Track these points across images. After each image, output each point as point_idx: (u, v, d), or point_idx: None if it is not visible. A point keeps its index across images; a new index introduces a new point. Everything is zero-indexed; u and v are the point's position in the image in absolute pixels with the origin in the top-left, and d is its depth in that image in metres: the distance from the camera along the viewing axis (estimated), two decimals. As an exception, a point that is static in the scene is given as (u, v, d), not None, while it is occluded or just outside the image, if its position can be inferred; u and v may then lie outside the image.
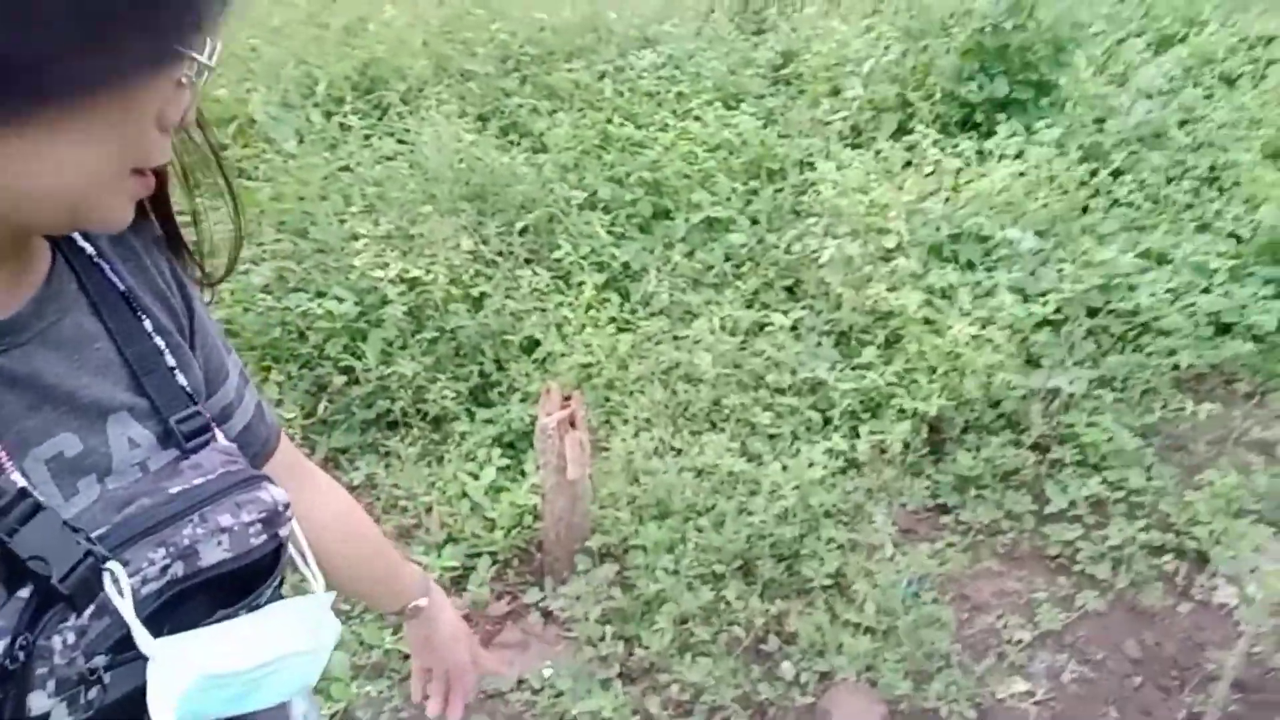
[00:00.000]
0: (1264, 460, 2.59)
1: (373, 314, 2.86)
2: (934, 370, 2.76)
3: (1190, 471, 2.57)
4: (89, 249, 0.65)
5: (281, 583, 0.68)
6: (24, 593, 0.52)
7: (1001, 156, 3.61)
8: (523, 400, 2.79)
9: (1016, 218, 3.32)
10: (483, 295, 3.03)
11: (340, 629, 0.70)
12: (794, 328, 3.05)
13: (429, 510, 2.53)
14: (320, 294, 2.88)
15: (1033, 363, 2.85)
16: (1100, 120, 4.02)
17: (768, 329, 3.06)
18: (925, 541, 2.43)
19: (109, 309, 0.64)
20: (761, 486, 2.48)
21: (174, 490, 0.61)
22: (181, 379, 0.67)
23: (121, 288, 0.66)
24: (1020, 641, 2.20)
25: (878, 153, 3.84)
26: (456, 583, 2.38)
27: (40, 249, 0.62)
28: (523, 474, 2.60)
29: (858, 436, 2.67)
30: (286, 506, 0.66)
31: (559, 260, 3.30)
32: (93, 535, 0.56)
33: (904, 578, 2.31)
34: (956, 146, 3.73)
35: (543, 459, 2.20)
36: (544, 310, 3.04)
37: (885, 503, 2.54)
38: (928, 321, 2.90)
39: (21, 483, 0.54)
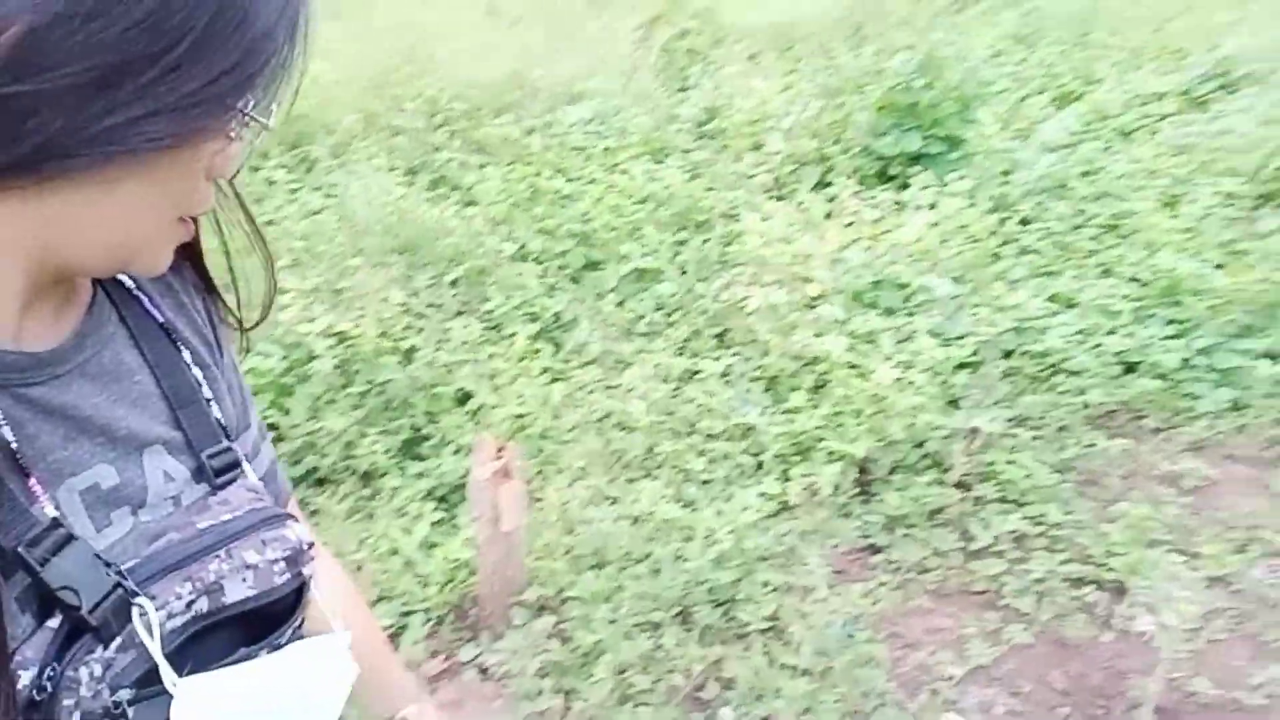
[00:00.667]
0: (1173, 492, 2.71)
1: (300, 369, 2.82)
2: (860, 413, 2.84)
3: (1105, 505, 2.67)
4: (129, 282, 0.66)
5: (303, 623, 0.68)
6: (53, 623, 0.52)
7: (917, 207, 3.76)
8: (455, 453, 2.77)
9: (933, 265, 3.45)
10: (413, 348, 3.02)
11: (358, 670, 0.70)
12: (724, 374, 3.10)
13: (359, 569, 2.48)
14: (245, 350, 2.83)
15: (953, 404, 2.95)
16: (1007, 172, 4.22)
17: (699, 376, 3.10)
18: (858, 581, 2.48)
19: (149, 341, 0.65)
20: (696, 532, 2.50)
21: (202, 525, 0.61)
22: (216, 412, 0.68)
23: (160, 319, 0.67)
24: (952, 677, 2.25)
25: (799, 204, 3.97)
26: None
27: (82, 283, 0.63)
28: (456, 528, 2.58)
29: (789, 479, 2.71)
30: (310, 545, 0.66)
31: (490, 312, 3.31)
32: (122, 568, 0.56)
33: (838, 618, 2.34)
34: (874, 198, 3.87)
35: (476, 511, 2.19)
36: (476, 361, 3.04)
37: (818, 544, 2.58)
38: (853, 366, 2.98)
39: (54, 513, 0.54)
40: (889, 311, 3.29)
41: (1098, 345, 3.07)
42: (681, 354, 3.28)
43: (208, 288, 0.73)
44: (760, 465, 2.80)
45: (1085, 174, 4.14)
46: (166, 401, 0.65)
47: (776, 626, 2.32)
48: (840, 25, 6.75)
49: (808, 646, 2.22)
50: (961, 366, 3.01)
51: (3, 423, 0.53)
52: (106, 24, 0.45)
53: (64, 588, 0.52)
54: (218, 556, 0.60)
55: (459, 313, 3.28)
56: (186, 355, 0.67)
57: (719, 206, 4.14)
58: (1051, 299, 3.29)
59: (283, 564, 0.64)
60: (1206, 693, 2.14)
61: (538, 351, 3.19)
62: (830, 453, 2.75)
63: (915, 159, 4.32)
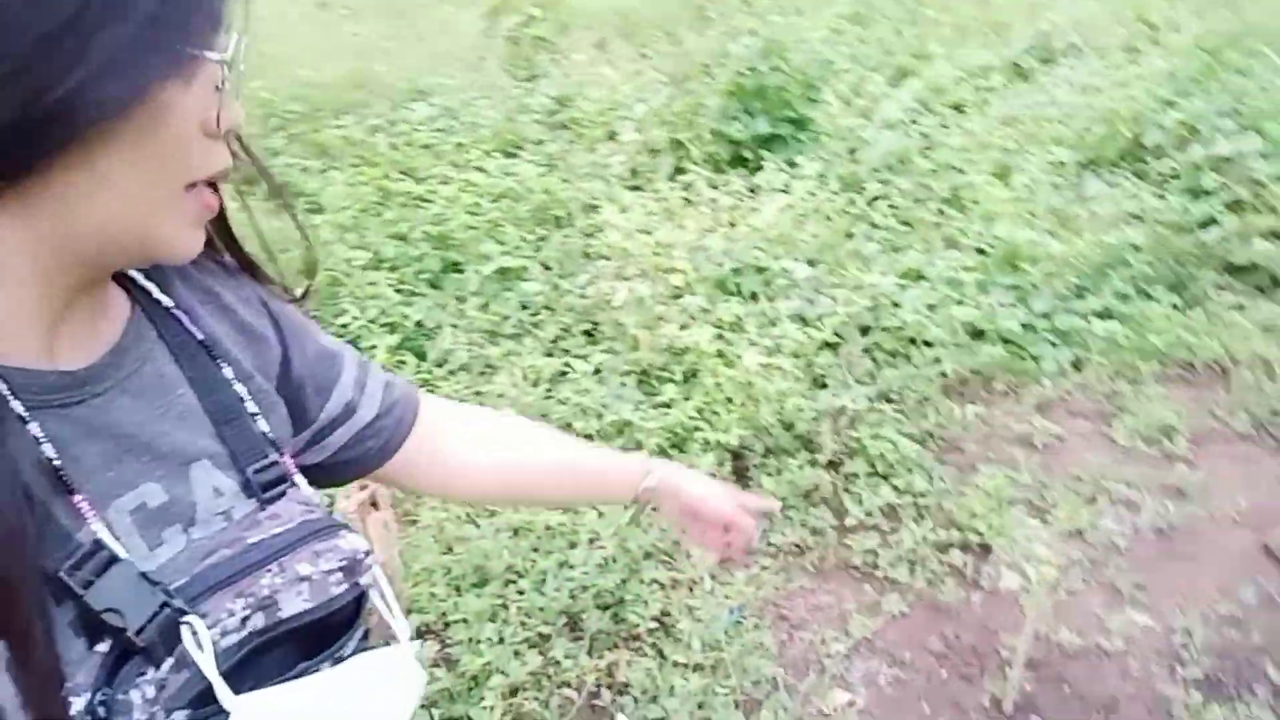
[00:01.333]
0: (1025, 452, 2.86)
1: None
2: (731, 401, 2.87)
3: (965, 471, 2.80)
4: (166, 300, 0.65)
5: (366, 634, 0.66)
6: (102, 647, 0.52)
7: (770, 191, 3.83)
8: (320, 478, 2.64)
9: (790, 249, 3.52)
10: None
11: (425, 680, 0.68)
12: (596, 371, 3.08)
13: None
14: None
15: (819, 384, 3.02)
16: (854, 151, 4.34)
17: (570, 376, 3.07)
18: (740, 569, 2.51)
19: (188, 358, 0.64)
20: (580, 537, 2.47)
21: (253, 540, 0.60)
22: (263, 425, 0.66)
23: (200, 336, 0.66)
24: (838, 653, 2.31)
25: (657, 193, 3.97)
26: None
27: (117, 300, 0.63)
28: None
29: (667, 474, 2.71)
30: (367, 554, 0.65)
31: (345, 325, 3.17)
32: (172, 586, 0.55)
33: (725, 609, 2.36)
34: (729, 184, 3.92)
35: (348, 542, 2.09)
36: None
37: (700, 536, 2.59)
38: (720, 355, 3.01)
39: (100, 534, 0.53)
40: (752, 297, 3.34)
41: (947, 316, 3.20)
42: (551, 354, 3.23)
43: (244, 266, 0.71)
44: (637, 462, 2.79)
45: (925, 150, 4.30)
46: (209, 416, 0.64)
47: (665, 624, 2.32)
48: (683, 9, 6.80)
49: (697, 641, 2.23)
50: (825, 347, 3.08)
51: (45, 442, 0.52)
52: (27, 10, 0.46)
53: (109, 610, 0.52)
54: (270, 570, 0.59)
55: (313, 329, 3.13)
56: (228, 371, 0.66)
57: (578, 199, 4.10)
58: (903, 275, 3.41)
59: (339, 574, 0.62)
60: (1071, 642, 2.27)
61: (401, 363, 3.08)
62: (705, 443, 2.77)
63: (766, 142, 4.40)
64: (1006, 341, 3.23)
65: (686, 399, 2.92)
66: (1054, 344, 3.26)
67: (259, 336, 0.72)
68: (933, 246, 3.65)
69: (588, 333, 3.38)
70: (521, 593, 2.32)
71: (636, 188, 4.22)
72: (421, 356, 3.17)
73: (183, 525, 0.60)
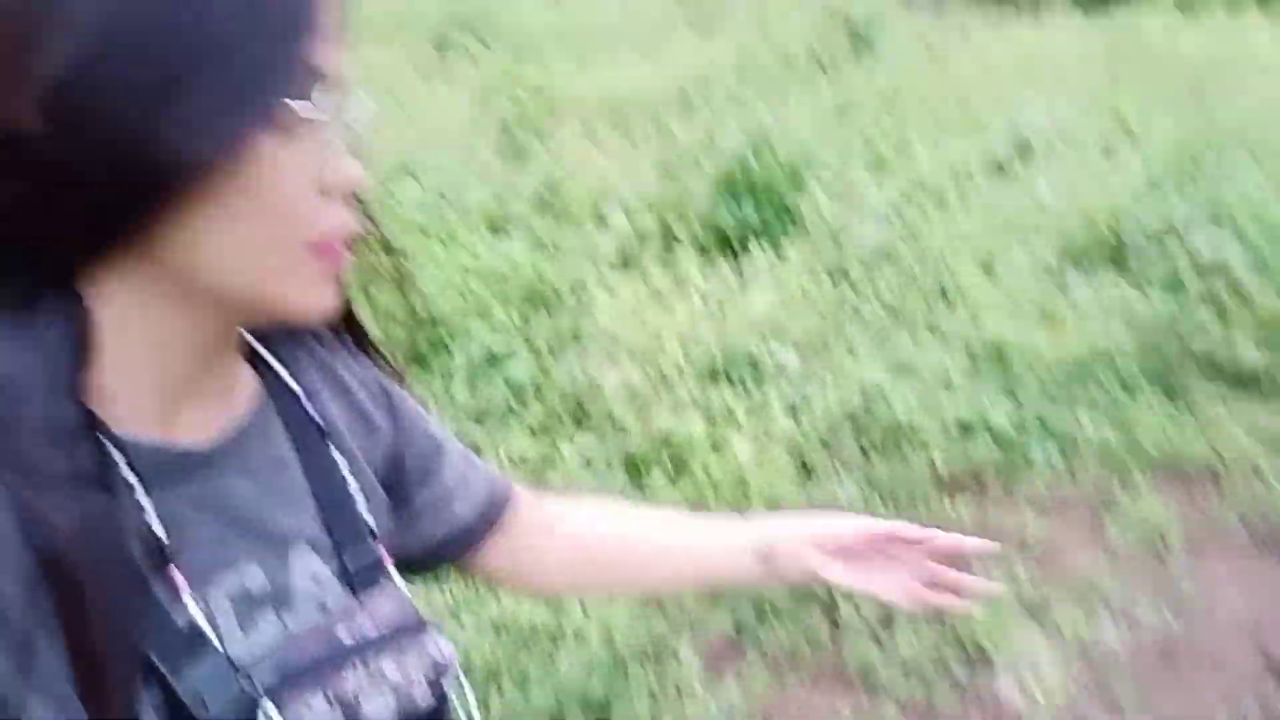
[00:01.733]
0: (1020, 555, 2.81)
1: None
2: (721, 491, 2.81)
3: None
4: (293, 384, 0.66)
5: None
6: None
7: (759, 278, 3.84)
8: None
9: (779, 336, 3.52)
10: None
11: None
12: (584, 458, 3.02)
13: None
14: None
15: (810, 476, 2.97)
16: (839, 241, 4.39)
17: (556, 462, 3.00)
18: (732, 674, 2.42)
19: (304, 440, 0.64)
20: (565, 635, 2.38)
21: (343, 633, 0.59)
22: (366, 514, 0.66)
23: (320, 422, 0.66)
24: (832, 764, 2.21)
25: (646, 277, 3.97)
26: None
27: (245, 379, 0.63)
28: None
29: (656, 568, 2.64)
30: (453, 658, 0.64)
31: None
32: (258, 676, 0.54)
33: (716, 714, 2.27)
34: (718, 270, 3.93)
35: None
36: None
37: (688, 636, 2.51)
38: (711, 443, 2.97)
39: (199, 614, 0.53)
40: (742, 385, 3.32)
41: (938, 410, 3.19)
42: (537, 438, 3.17)
43: (358, 340, 0.71)
44: (625, 555, 2.71)
45: (909, 241, 4.36)
46: (316, 500, 0.64)
47: (654, 731, 2.22)
48: (669, 99, 6.95)
49: (688, 750, 2.14)
50: (816, 438, 3.05)
51: (153, 518, 0.52)
52: (119, 68, 0.46)
53: (194, 697, 0.52)
54: (355, 668, 0.58)
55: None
56: (340, 457, 0.66)
57: (566, 281, 4.09)
58: (892, 366, 3.40)
59: (423, 679, 0.61)
60: (1072, 757, 2.20)
61: (383, 446, 3.01)
62: (695, 537, 2.70)
63: (754, 230, 4.44)
64: (997, 438, 3.21)
65: (676, 488, 2.86)
66: (1045, 442, 3.24)
67: (374, 426, 0.72)
68: (921, 339, 3.66)
69: (575, 418, 3.33)
70: (503, 695, 2.22)
71: (626, 270, 4.22)
72: (405, 439, 3.10)
73: (278, 611, 0.59)
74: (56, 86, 0.45)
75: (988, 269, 4.13)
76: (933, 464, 3.06)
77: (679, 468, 2.99)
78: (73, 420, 0.49)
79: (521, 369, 3.44)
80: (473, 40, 8.04)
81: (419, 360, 3.47)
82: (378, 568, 0.65)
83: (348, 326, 0.71)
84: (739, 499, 2.76)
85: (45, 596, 0.46)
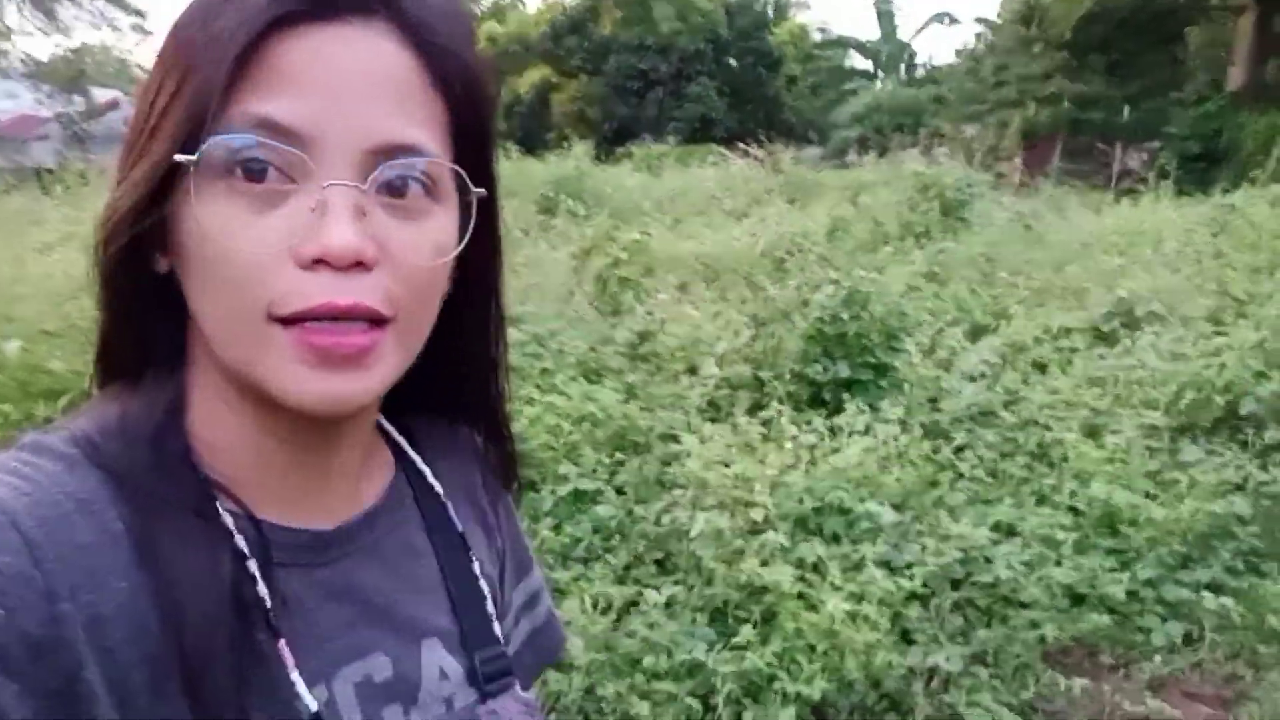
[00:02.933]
0: (1142, 737, 2.57)
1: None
2: (813, 649, 2.68)
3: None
4: (438, 487, 0.64)
5: None
6: None
7: (852, 433, 3.79)
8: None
9: (873, 491, 3.42)
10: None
11: None
12: (668, 604, 2.93)
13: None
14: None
15: (907, 639, 2.81)
16: (934, 400, 4.33)
17: (640, 606, 2.92)
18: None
19: (444, 540, 0.63)
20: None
21: None
22: (495, 625, 0.64)
23: (460, 528, 0.64)
24: None
25: (735, 427, 3.96)
26: None
27: (381, 461, 0.62)
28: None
29: (741, 725, 2.49)
30: None
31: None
32: None
33: None
34: (809, 423, 3.90)
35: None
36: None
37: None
38: (801, 596, 2.85)
39: (314, 706, 0.51)
40: (834, 538, 3.21)
41: (1044, 576, 3.02)
42: (622, 582, 3.10)
43: (495, 438, 0.68)
44: (709, 708, 2.58)
45: (1008, 403, 4.26)
46: (448, 595, 0.62)
47: None
48: (763, 261, 7.13)
49: None
50: (913, 598, 2.90)
51: (262, 587, 0.50)
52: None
53: None
54: None
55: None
56: (476, 566, 0.64)
57: (656, 428, 4.11)
58: (994, 527, 3.26)
59: None
60: None
61: (468, 580, 2.98)
62: (784, 694, 2.56)
63: (846, 385, 4.42)
64: (1111, 610, 3.00)
65: (764, 643, 2.73)
66: (1163, 617, 3.02)
67: (492, 534, 0.69)
68: (1024, 502, 3.51)
69: (660, 562, 3.27)
70: None
71: (715, 421, 4.22)
72: (490, 574, 3.08)
73: (404, 706, 0.57)
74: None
75: (1094, 434, 3.99)
76: (1040, 634, 2.86)
77: (768, 621, 2.87)
78: (178, 453, 0.51)
79: (607, 511, 3.42)
80: (576, 204, 8.49)
81: (508, 498, 3.48)
82: (509, 672, 0.63)
83: (495, 438, 0.69)
84: (832, 660, 2.62)
85: (170, 667, 0.46)
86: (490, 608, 0.64)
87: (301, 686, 0.51)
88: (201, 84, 0.46)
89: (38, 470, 0.47)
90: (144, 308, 0.52)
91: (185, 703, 0.46)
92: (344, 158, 0.48)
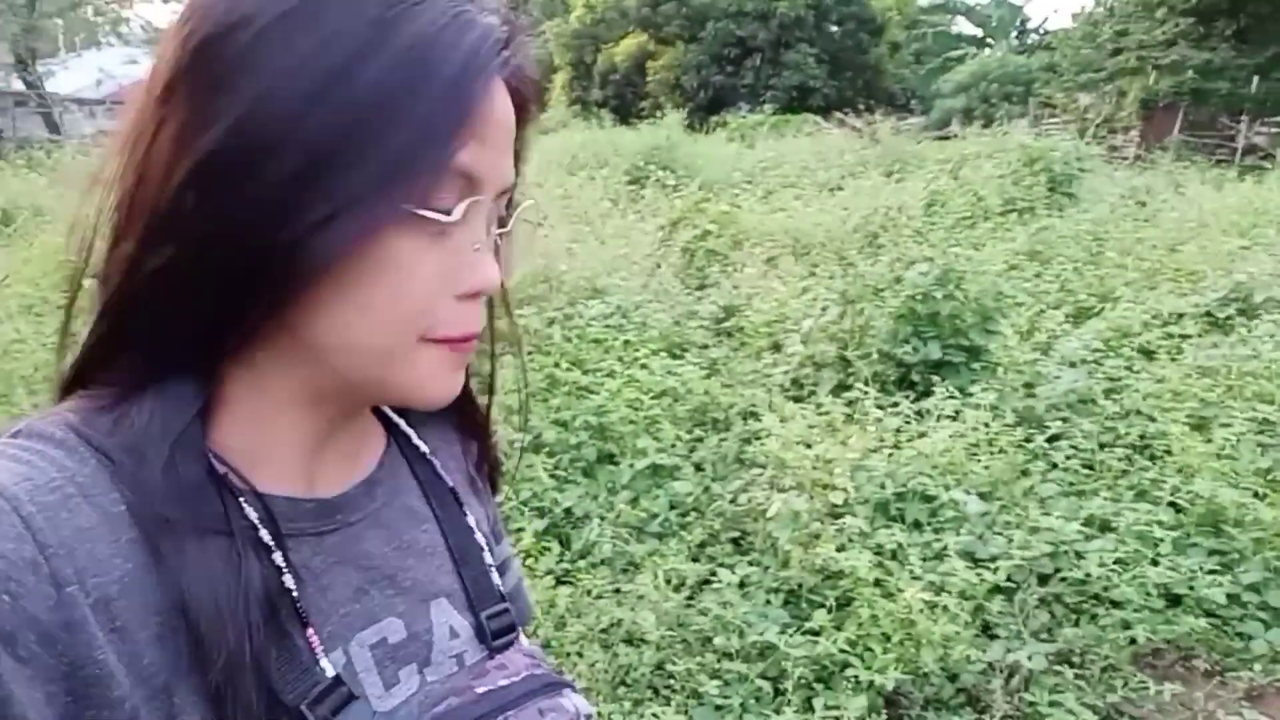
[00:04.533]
0: (1236, 750, 2.45)
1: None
2: (888, 638, 2.62)
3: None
4: (422, 446, 0.67)
5: None
6: None
7: (940, 417, 3.68)
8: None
9: (959, 479, 3.33)
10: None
11: None
12: (742, 584, 2.91)
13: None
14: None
15: (988, 633, 2.74)
16: (1030, 386, 4.17)
17: (714, 585, 2.91)
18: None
19: (438, 499, 0.66)
20: None
21: (480, 690, 0.59)
22: (496, 578, 0.66)
23: (450, 483, 0.67)
24: None
25: (819, 407, 3.89)
26: None
27: (375, 432, 0.64)
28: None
29: (811, 710, 2.47)
30: (589, 717, 0.63)
31: (498, 504, 3.17)
32: None
33: None
34: (895, 405, 3.80)
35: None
36: (478, 559, 2.87)
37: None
38: (879, 584, 2.79)
39: (337, 669, 0.53)
40: (916, 526, 3.14)
41: (1139, 575, 2.88)
42: (696, 559, 3.10)
43: (474, 432, 0.71)
44: (779, 691, 2.56)
45: (1110, 391, 4.08)
46: (451, 556, 0.64)
47: None
48: (855, 235, 6.97)
49: None
50: (995, 591, 2.81)
51: (286, 573, 0.52)
52: (257, 150, 0.47)
53: None
54: None
55: (465, 504, 3.15)
56: (471, 520, 0.67)
57: (737, 405, 4.08)
58: (1086, 522, 3.13)
59: None
60: None
61: (545, 549, 3.03)
62: (856, 681, 2.52)
63: (936, 368, 4.29)
64: (1209, 614, 2.85)
65: (838, 628, 2.69)
66: (1266, 623, 2.86)
67: (484, 504, 0.72)
68: (1121, 495, 3.36)
69: (735, 541, 3.25)
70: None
71: (798, 399, 4.16)
72: (566, 545, 3.11)
73: (418, 665, 0.59)
74: (209, 162, 0.47)
75: (1201, 427, 3.78)
76: (1131, 635, 2.74)
77: (843, 606, 2.82)
78: (200, 474, 0.50)
79: (684, 487, 3.41)
80: (666, 174, 8.43)
81: (586, 471, 3.51)
82: (513, 628, 0.65)
83: (471, 416, 0.71)
84: (908, 650, 2.57)
85: (181, 649, 0.47)
86: (489, 558, 0.66)
87: (322, 654, 0.53)
88: (421, 129, 0.48)
89: (38, 455, 0.47)
90: (179, 308, 0.51)
91: (204, 681, 0.47)
92: (490, 198, 0.54)
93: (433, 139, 0.48)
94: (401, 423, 0.67)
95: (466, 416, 0.71)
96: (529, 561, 2.93)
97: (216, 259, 0.48)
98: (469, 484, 0.70)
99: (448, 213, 0.50)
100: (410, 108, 0.47)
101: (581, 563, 3.04)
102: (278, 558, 0.52)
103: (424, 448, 0.67)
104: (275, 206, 0.47)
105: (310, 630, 0.53)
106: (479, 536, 0.66)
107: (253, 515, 0.51)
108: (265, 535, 0.52)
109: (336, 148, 0.47)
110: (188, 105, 0.48)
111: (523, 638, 0.66)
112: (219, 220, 0.47)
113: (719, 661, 2.63)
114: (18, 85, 19.70)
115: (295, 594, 0.52)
